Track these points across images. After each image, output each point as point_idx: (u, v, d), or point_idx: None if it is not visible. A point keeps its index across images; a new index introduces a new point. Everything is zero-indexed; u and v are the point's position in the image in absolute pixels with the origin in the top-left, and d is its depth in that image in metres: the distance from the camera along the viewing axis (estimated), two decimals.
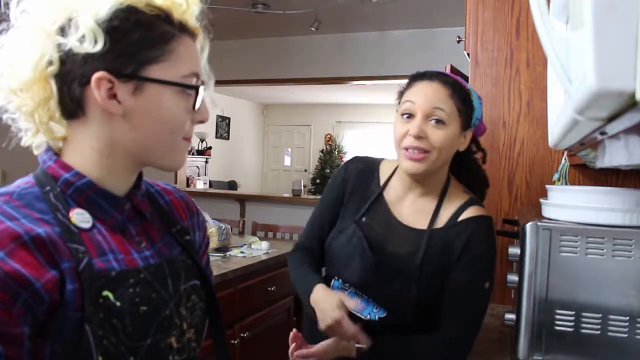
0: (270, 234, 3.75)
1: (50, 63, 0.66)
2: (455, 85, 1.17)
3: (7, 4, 0.67)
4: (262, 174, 10.22)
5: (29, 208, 0.65)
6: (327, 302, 1.12)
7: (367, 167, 1.31)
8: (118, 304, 0.66)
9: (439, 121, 1.14)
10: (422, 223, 1.20)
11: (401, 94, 1.22)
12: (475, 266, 1.16)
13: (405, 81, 1.25)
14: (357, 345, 1.13)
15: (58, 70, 0.66)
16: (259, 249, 2.89)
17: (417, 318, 1.17)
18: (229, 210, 4.79)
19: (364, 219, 1.23)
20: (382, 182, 1.28)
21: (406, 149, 1.15)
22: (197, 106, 0.73)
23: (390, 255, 1.18)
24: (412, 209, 1.23)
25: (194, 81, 0.72)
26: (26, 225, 0.62)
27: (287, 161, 10.21)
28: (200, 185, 6.75)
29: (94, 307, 0.63)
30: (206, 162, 8.08)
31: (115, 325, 0.65)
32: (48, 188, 0.68)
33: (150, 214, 0.80)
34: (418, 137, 1.13)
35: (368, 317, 1.19)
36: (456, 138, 1.17)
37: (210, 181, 7.27)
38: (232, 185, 7.86)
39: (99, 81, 0.65)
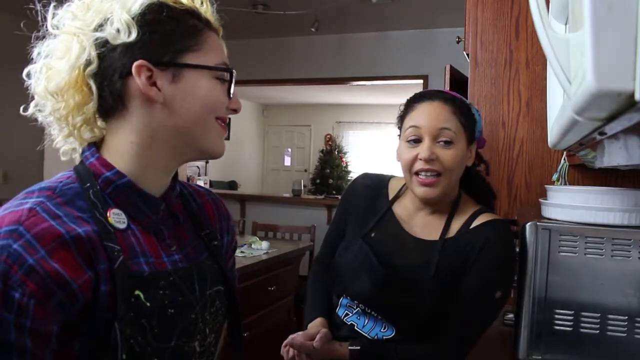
0: (270, 234, 3.76)
1: (89, 62, 0.68)
2: (456, 101, 1.15)
3: (44, 17, 0.70)
4: (262, 174, 10.21)
5: (69, 206, 0.66)
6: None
7: (375, 183, 1.30)
8: (148, 304, 0.67)
9: (447, 142, 1.11)
10: (433, 235, 1.17)
11: (401, 118, 1.19)
12: (488, 273, 1.11)
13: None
14: (349, 347, 1.12)
15: (97, 68, 0.68)
16: (259, 248, 2.89)
17: (428, 335, 1.13)
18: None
19: (373, 235, 1.21)
20: (390, 198, 1.25)
21: (417, 173, 1.13)
22: (232, 90, 0.76)
23: (402, 269, 1.15)
24: (423, 225, 1.20)
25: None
26: (67, 224, 0.63)
27: (287, 161, 10.20)
28: (200, 185, 6.74)
29: (126, 306, 0.64)
30: (206, 162, 8.07)
31: (143, 325, 0.66)
32: (88, 185, 0.69)
33: (183, 216, 0.81)
34: (429, 160, 1.10)
35: (375, 337, 1.17)
36: (464, 154, 1.15)
37: (210, 181, 7.26)
38: (233, 185, 7.87)
39: (139, 68, 0.68)
